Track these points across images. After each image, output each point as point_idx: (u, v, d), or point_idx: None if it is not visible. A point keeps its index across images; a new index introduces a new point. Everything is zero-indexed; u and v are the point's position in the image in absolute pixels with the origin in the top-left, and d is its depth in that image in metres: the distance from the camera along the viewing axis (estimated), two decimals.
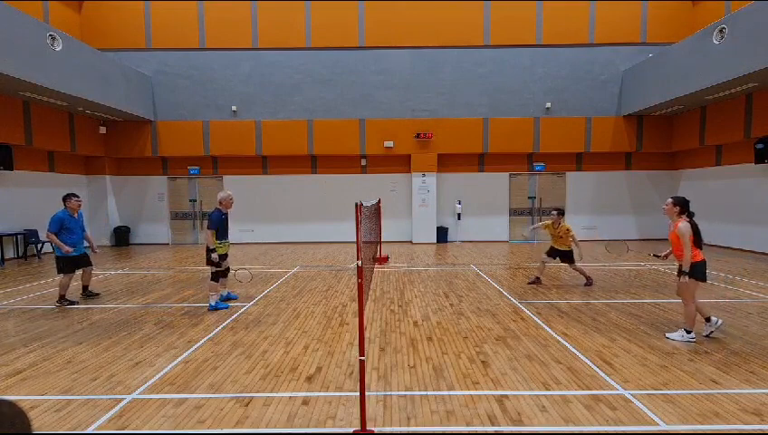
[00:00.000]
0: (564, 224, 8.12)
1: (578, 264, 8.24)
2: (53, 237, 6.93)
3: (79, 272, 7.44)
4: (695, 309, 5.09)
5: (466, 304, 6.97)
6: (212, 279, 6.80)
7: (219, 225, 6.73)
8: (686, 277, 4.95)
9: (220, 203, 6.87)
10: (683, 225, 5.00)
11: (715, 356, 4.64)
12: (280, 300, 7.34)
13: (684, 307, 5.20)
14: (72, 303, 7.12)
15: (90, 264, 7.57)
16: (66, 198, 7.29)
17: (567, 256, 8.21)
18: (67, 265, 7.09)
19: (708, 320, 5.26)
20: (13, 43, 9.53)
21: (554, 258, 8.30)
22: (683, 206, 5.13)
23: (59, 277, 7.25)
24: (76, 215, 7.29)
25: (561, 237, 8.08)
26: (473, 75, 15.10)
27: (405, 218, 16.00)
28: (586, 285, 8.18)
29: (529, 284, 8.41)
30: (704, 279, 5.08)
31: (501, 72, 15.11)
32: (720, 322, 5.27)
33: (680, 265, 5.08)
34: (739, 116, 12.08)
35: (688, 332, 5.11)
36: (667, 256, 5.69)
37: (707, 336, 5.22)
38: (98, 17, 14.93)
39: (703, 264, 5.05)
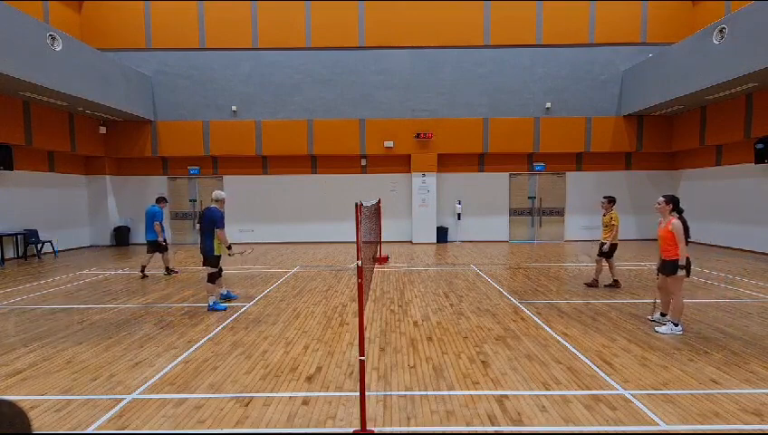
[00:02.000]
0: (613, 211, 7.74)
1: (603, 263, 7.92)
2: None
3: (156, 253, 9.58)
4: (683, 303, 5.37)
5: (466, 304, 6.97)
6: (209, 281, 6.76)
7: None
8: (683, 271, 5.21)
9: (219, 201, 6.85)
10: (677, 221, 5.30)
11: (715, 356, 4.64)
12: (280, 300, 7.34)
13: (673, 301, 5.43)
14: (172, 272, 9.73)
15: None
16: (164, 200, 9.61)
17: (609, 252, 7.76)
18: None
19: (664, 315, 5.67)
20: (13, 43, 9.53)
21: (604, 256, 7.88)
22: (675, 203, 5.46)
23: (164, 254, 9.61)
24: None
25: (606, 226, 7.74)
26: (473, 75, 15.10)
27: (405, 218, 15.99)
28: (589, 285, 8.00)
29: (606, 286, 7.95)
30: (688, 275, 5.36)
31: (501, 72, 15.11)
32: (675, 329, 5.42)
33: (663, 261, 5.46)
34: (739, 116, 12.08)
35: (676, 324, 5.34)
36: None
37: (650, 319, 5.83)
38: (98, 17, 14.93)
39: (688, 260, 5.40)
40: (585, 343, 5.10)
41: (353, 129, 15.15)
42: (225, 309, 6.71)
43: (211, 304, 6.72)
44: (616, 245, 7.79)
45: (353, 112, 15.18)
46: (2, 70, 9.24)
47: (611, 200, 7.82)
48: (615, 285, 7.92)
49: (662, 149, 15.17)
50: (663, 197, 5.54)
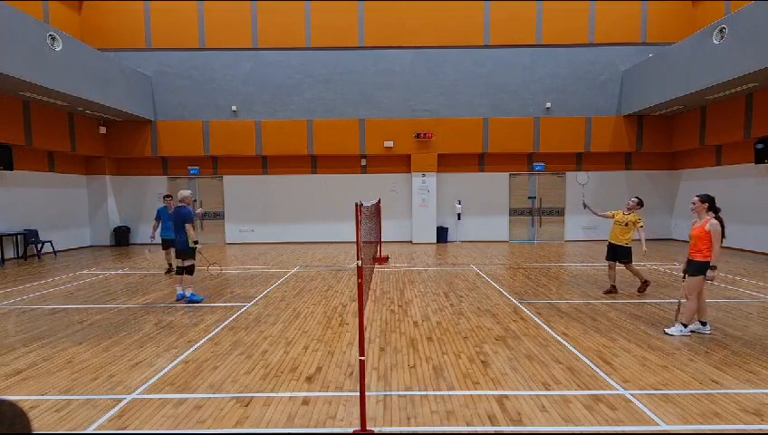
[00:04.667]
0: (636, 214, 7.35)
1: (634, 265, 7.56)
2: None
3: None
4: (696, 306, 5.26)
5: (466, 304, 6.97)
6: (190, 273, 7.15)
7: None
8: (714, 271, 5.09)
9: (186, 200, 7.17)
10: (715, 222, 5.12)
11: (715, 356, 4.64)
12: (280, 300, 7.34)
13: (687, 302, 5.34)
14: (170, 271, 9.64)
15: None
16: (166, 198, 9.75)
17: (625, 255, 7.39)
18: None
19: (704, 324, 5.42)
20: (13, 43, 9.52)
21: (615, 261, 7.49)
22: (711, 203, 5.25)
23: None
24: (170, 211, 9.27)
25: (627, 226, 7.29)
26: (473, 75, 15.10)
27: (405, 218, 15.99)
28: (640, 290, 7.48)
29: (605, 293, 7.53)
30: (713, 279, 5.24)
31: (501, 72, 15.11)
32: (708, 331, 5.38)
33: (689, 261, 5.31)
34: (739, 116, 12.08)
35: (685, 326, 5.30)
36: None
37: (693, 330, 5.42)
38: (98, 17, 14.93)
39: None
40: (585, 343, 5.10)
41: (353, 129, 15.15)
42: (202, 300, 7.16)
43: (188, 295, 7.10)
44: (630, 249, 7.46)
45: (353, 112, 15.18)
46: (2, 70, 9.23)
47: (641, 203, 7.47)
48: (645, 285, 7.53)
49: (662, 149, 15.16)
50: (698, 196, 5.28)
